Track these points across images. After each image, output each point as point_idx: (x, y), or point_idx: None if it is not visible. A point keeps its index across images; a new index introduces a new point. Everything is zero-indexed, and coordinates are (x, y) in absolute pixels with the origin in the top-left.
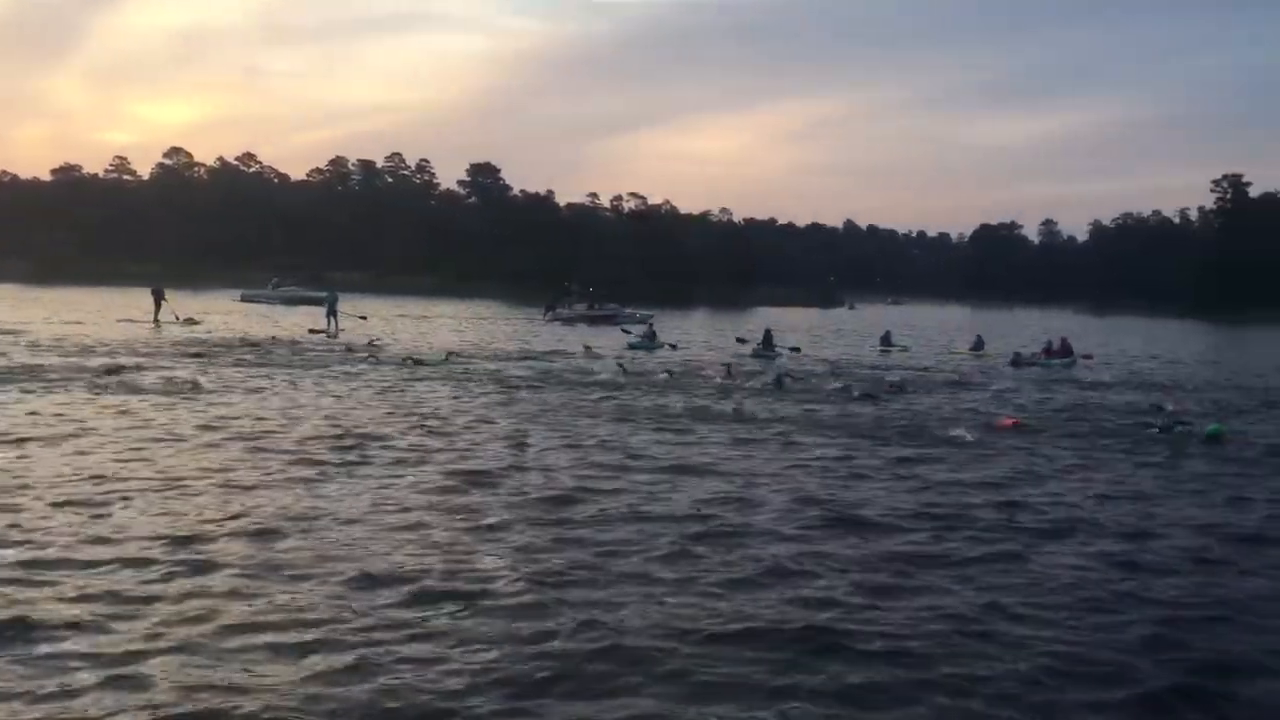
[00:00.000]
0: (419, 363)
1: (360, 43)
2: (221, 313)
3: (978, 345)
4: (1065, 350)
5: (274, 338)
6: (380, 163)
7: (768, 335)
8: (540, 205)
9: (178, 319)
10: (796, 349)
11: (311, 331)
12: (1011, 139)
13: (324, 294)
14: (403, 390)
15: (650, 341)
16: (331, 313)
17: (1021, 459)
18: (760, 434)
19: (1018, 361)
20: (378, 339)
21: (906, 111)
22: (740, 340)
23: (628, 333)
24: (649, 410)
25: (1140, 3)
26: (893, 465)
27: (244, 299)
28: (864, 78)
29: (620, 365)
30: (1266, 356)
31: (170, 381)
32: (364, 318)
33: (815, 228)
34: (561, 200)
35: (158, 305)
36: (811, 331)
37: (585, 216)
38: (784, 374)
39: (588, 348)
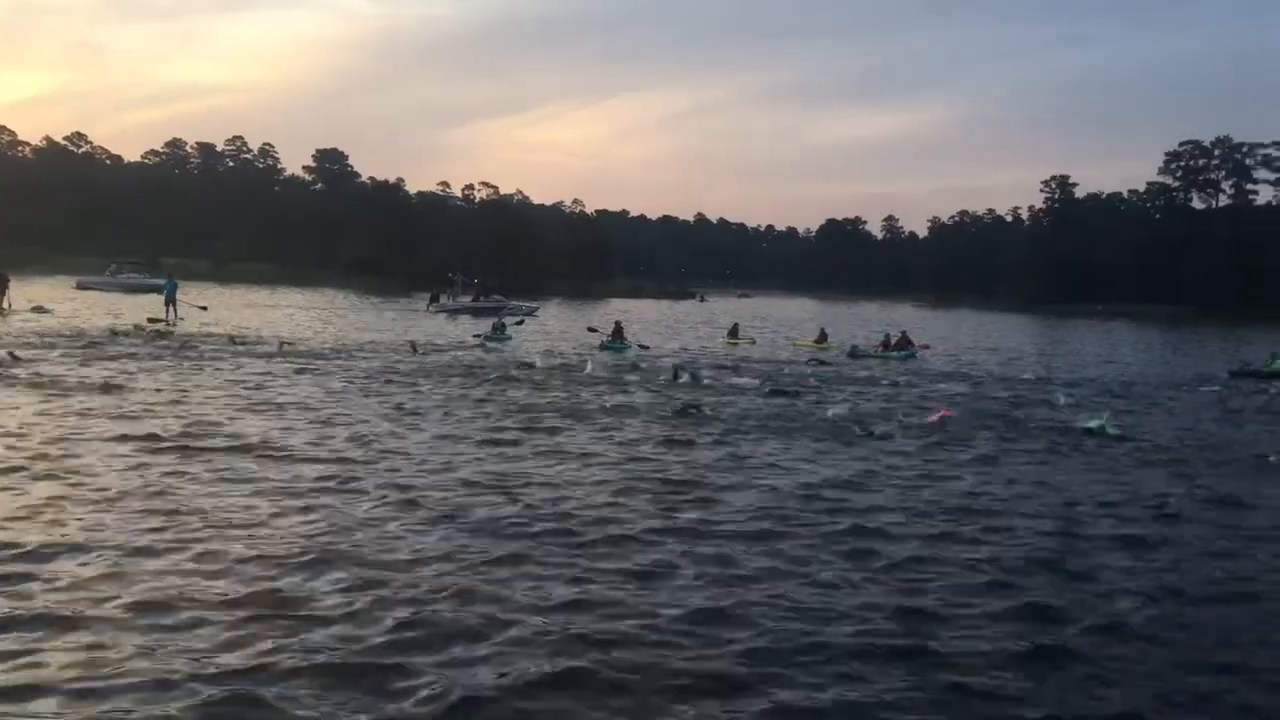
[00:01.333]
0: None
1: (202, 20)
2: (60, 300)
3: (821, 338)
4: (904, 343)
5: (138, 326)
6: (221, 145)
7: (618, 327)
8: (389, 193)
9: (30, 307)
10: (646, 347)
11: (150, 321)
12: (857, 137)
13: (164, 282)
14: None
15: (500, 334)
16: (170, 301)
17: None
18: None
19: (854, 354)
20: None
21: (757, 107)
22: (591, 330)
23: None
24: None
25: (980, 7)
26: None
27: (81, 286)
28: (716, 73)
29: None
30: (1091, 348)
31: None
32: (204, 307)
33: (667, 220)
34: (412, 189)
35: (2, 292)
36: (662, 323)
37: (436, 205)
38: (682, 366)
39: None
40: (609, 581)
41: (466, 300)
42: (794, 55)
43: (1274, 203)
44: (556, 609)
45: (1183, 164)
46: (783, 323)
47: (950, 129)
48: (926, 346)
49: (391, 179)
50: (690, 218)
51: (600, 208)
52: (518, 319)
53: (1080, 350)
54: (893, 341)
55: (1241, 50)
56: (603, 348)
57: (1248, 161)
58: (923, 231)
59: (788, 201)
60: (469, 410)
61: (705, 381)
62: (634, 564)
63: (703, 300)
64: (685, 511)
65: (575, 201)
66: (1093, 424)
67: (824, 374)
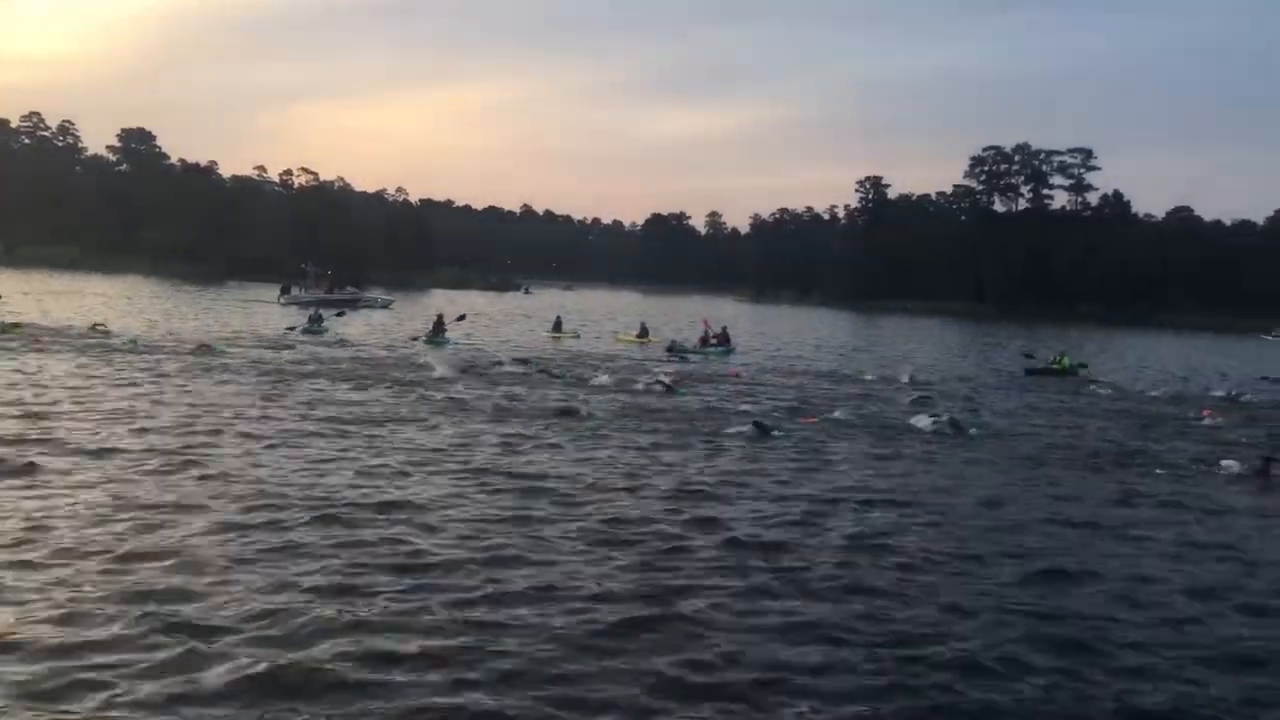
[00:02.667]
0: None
1: None
2: None
3: (643, 333)
4: (723, 339)
5: None
6: (16, 122)
7: (439, 321)
8: (201, 176)
9: None
10: (461, 316)
11: None
12: (683, 133)
13: None
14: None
15: (317, 326)
16: None
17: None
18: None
19: (674, 349)
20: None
21: (586, 100)
22: (460, 318)
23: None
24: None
25: (799, 9)
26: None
27: None
28: (544, 64)
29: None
30: (904, 341)
31: None
32: None
33: (493, 211)
34: (226, 172)
35: None
36: (488, 315)
37: (251, 190)
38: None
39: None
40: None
41: (320, 292)
42: (623, 50)
43: (1067, 207)
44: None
45: (986, 169)
46: (607, 317)
47: (773, 128)
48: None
49: (204, 162)
50: (517, 209)
51: (425, 196)
52: (338, 312)
53: (918, 348)
54: (711, 337)
55: (1044, 62)
56: (426, 341)
57: (1044, 168)
58: (745, 228)
59: (614, 195)
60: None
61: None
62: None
63: (528, 293)
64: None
65: (399, 189)
66: (946, 418)
67: (687, 370)
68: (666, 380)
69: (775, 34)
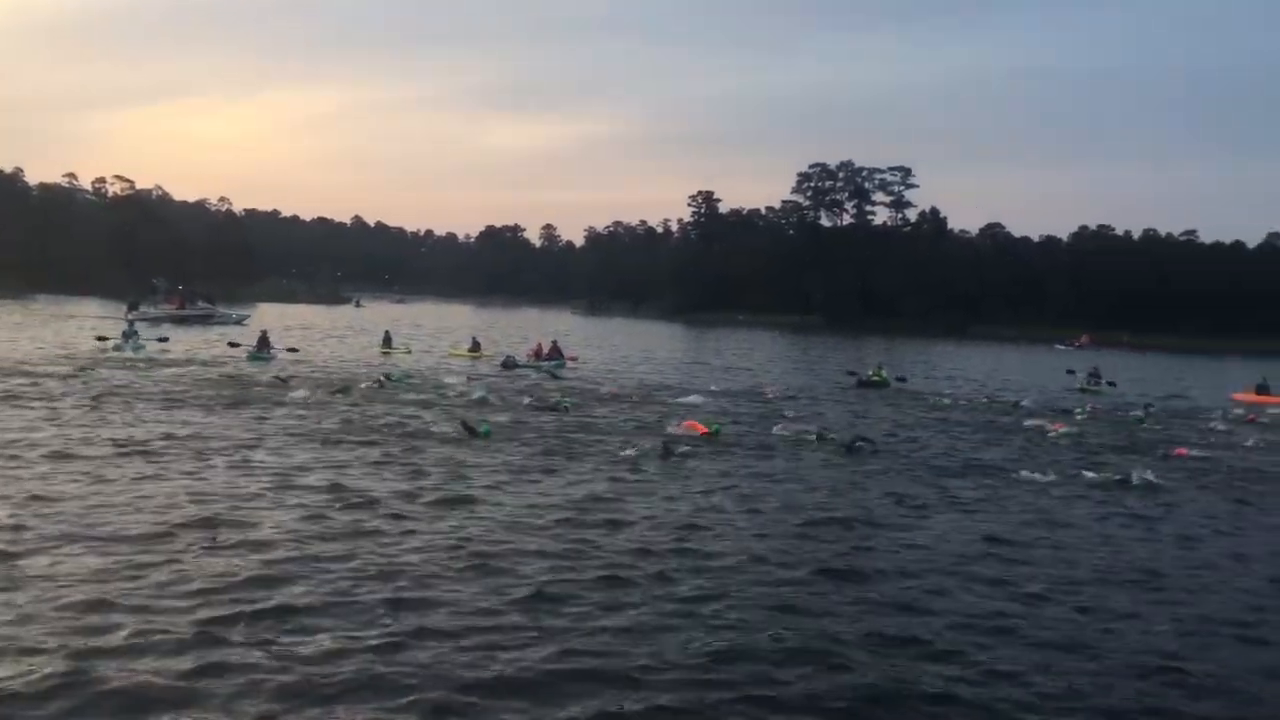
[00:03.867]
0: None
1: None
2: None
3: (474, 347)
4: (555, 352)
5: None
6: None
7: (263, 337)
8: (4, 183)
9: None
10: (294, 349)
11: None
12: (517, 144)
13: None
14: None
15: (131, 340)
16: None
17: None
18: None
19: (508, 364)
20: None
21: (419, 110)
22: (233, 345)
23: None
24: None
25: (633, 25)
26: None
27: None
28: (376, 72)
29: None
30: (745, 354)
31: None
32: None
33: (323, 222)
34: (32, 179)
35: None
36: (318, 329)
37: (61, 198)
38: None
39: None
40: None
41: (171, 308)
42: (457, 61)
43: (889, 223)
44: None
45: (812, 184)
46: (439, 331)
47: (607, 142)
48: (574, 359)
49: (8, 168)
50: (348, 220)
51: (250, 206)
52: (150, 326)
53: (766, 362)
54: (544, 350)
55: (868, 82)
56: (250, 358)
57: (867, 185)
58: (580, 240)
59: (448, 206)
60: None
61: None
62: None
63: (359, 306)
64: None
65: (222, 199)
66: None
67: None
68: (488, 397)
69: (610, 48)
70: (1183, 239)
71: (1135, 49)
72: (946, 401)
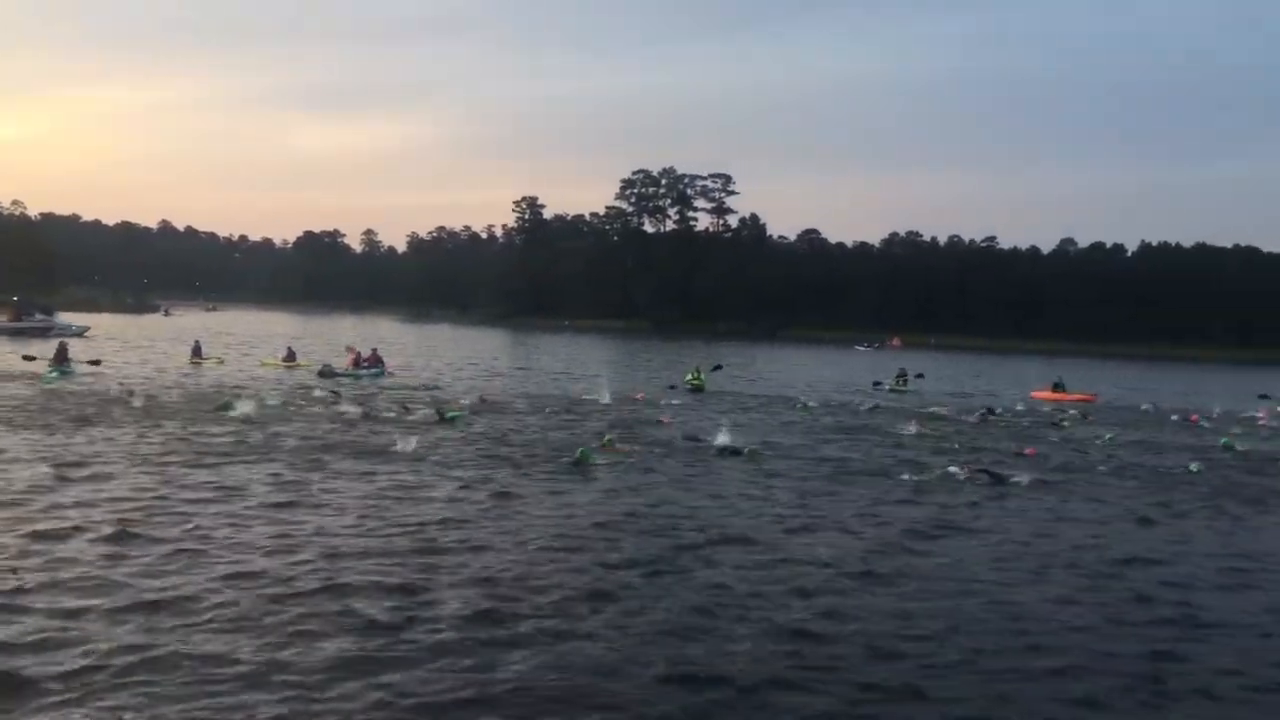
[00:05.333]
0: None
1: None
2: None
3: (289, 356)
4: (375, 360)
5: None
6: None
7: (61, 349)
8: None
9: None
10: (96, 362)
11: None
12: (335, 147)
13: None
14: None
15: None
16: None
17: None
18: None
19: (325, 373)
20: None
21: (230, 110)
22: (27, 359)
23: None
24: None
25: (455, 27)
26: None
27: None
28: (184, 70)
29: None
30: (580, 359)
31: None
32: None
33: (127, 226)
34: None
35: None
36: (122, 339)
37: None
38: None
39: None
40: None
41: (2, 320)
42: (271, 59)
43: (710, 229)
44: None
45: (636, 191)
46: (254, 340)
47: (430, 146)
48: (392, 372)
49: None
50: (154, 224)
51: (46, 210)
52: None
53: (606, 366)
54: (364, 358)
55: (691, 91)
56: (50, 371)
57: (689, 191)
58: (402, 246)
59: (263, 211)
60: None
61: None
62: None
63: (167, 314)
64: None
65: (15, 203)
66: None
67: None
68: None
69: (431, 51)
70: (984, 245)
71: (945, 61)
72: (805, 406)
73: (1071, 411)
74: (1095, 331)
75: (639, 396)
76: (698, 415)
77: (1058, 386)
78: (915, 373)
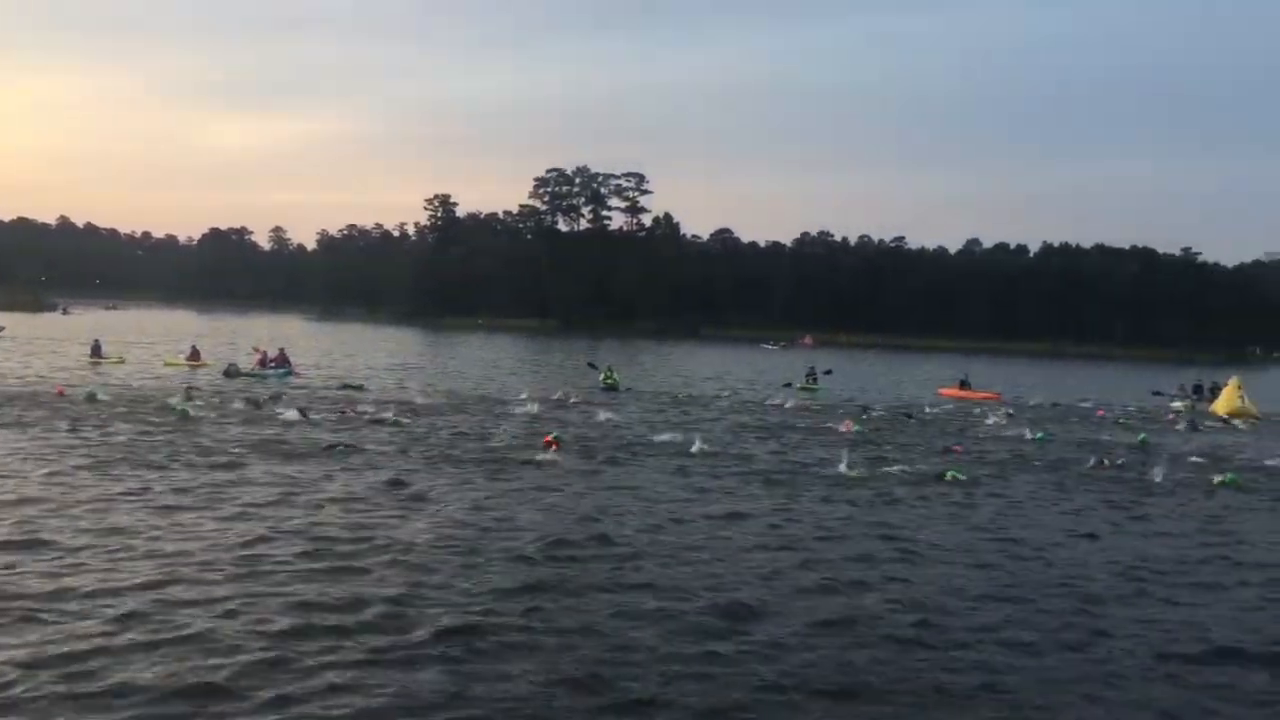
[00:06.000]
0: None
1: None
2: None
3: (193, 355)
4: (282, 360)
5: None
6: None
7: None
8: None
9: None
10: None
11: None
12: (242, 143)
13: None
14: None
15: None
16: None
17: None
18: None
19: (231, 373)
20: None
21: (132, 105)
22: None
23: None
24: None
25: (362, 23)
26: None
27: None
28: (82, 63)
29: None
30: (495, 360)
31: None
32: None
33: (24, 223)
34: None
35: None
36: (19, 339)
37: None
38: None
39: None
40: None
41: None
42: (175, 53)
43: (624, 228)
44: None
45: (549, 189)
46: (157, 338)
47: (340, 143)
48: (297, 373)
49: None
50: (52, 220)
51: None
52: None
53: (518, 368)
54: (270, 358)
55: (603, 87)
56: None
57: (603, 190)
58: (311, 243)
59: (167, 207)
60: None
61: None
62: None
63: (66, 313)
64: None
65: None
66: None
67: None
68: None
69: (339, 47)
70: (893, 244)
71: (854, 64)
72: (723, 403)
73: (1001, 409)
74: (1000, 329)
75: (559, 396)
76: (629, 414)
77: (964, 384)
78: (824, 369)
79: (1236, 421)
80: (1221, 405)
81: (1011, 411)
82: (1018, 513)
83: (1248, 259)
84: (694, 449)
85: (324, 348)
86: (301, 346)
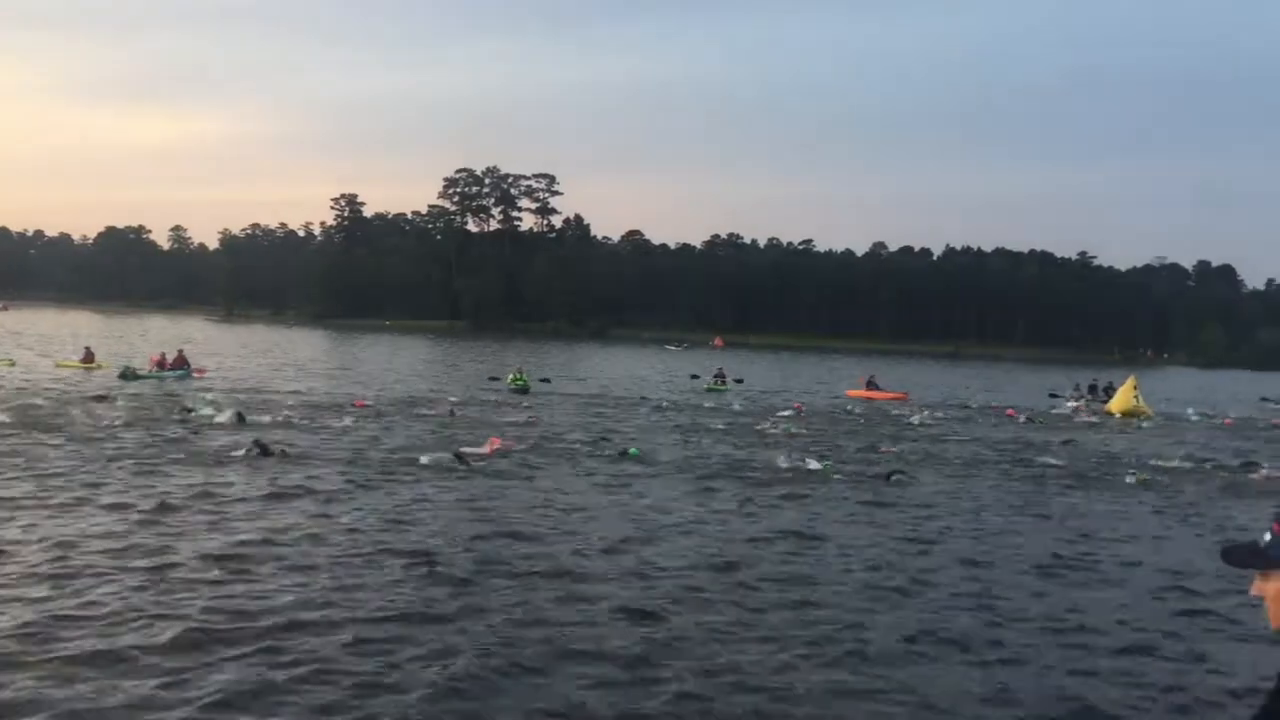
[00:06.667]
0: None
1: None
2: None
3: (88, 357)
4: (180, 362)
5: None
6: None
7: None
8: None
9: None
10: None
11: None
12: (141, 141)
13: None
14: None
15: None
16: None
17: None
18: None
19: (127, 375)
20: None
21: (19, 100)
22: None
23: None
24: None
25: (267, 20)
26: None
27: None
28: None
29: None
30: (416, 363)
31: None
32: None
33: None
34: None
35: None
36: None
37: None
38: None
39: None
40: None
41: None
42: (65, 47)
43: (535, 229)
44: None
45: (459, 190)
46: (50, 339)
47: (242, 141)
48: (202, 371)
49: None
50: None
51: None
52: None
53: (448, 372)
54: (167, 360)
55: (514, 88)
56: None
57: (513, 191)
58: (213, 243)
59: (61, 205)
60: None
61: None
62: None
63: None
64: None
65: None
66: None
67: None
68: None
69: (241, 43)
70: (801, 246)
71: (768, 68)
72: (664, 404)
73: (926, 410)
74: (906, 330)
75: (450, 403)
76: (552, 415)
77: (871, 384)
78: (735, 377)
79: (1134, 420)
80: (1117, 404)
81: (940, 413)
82: (938, 512)
83: (1139, 263)
84: (625, 450)
85: (227, 349)
86: (203, 349)
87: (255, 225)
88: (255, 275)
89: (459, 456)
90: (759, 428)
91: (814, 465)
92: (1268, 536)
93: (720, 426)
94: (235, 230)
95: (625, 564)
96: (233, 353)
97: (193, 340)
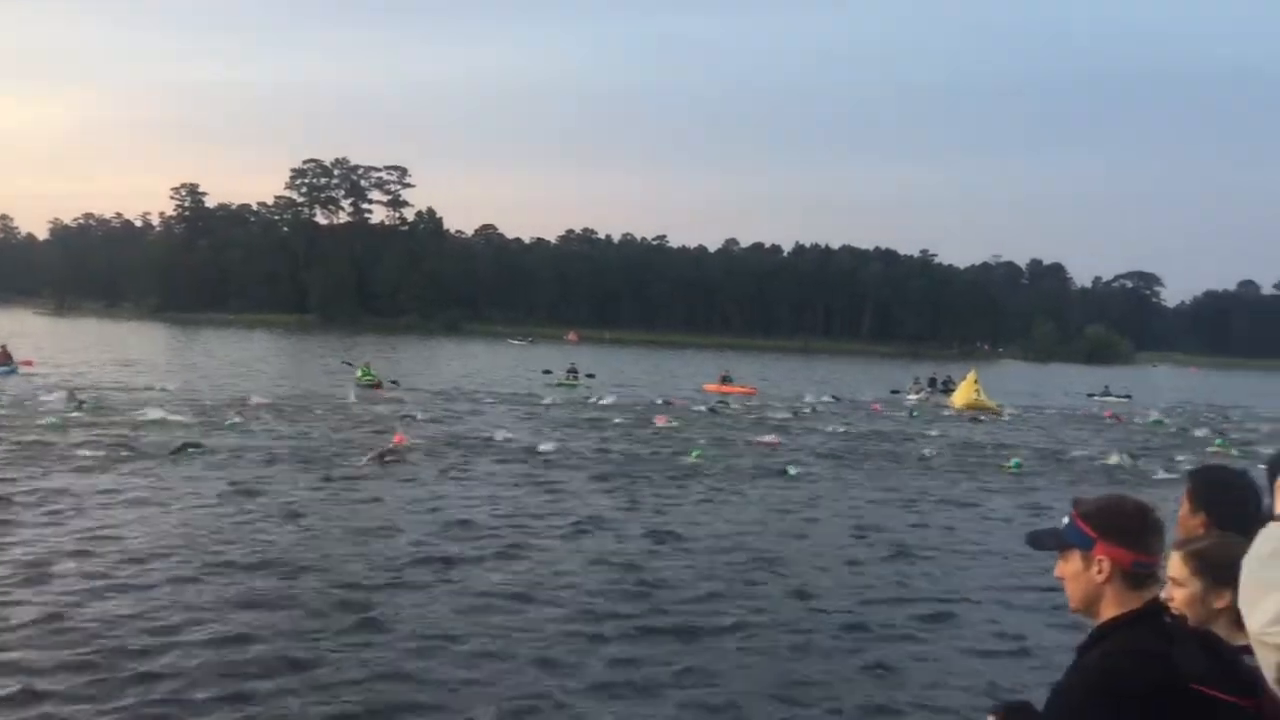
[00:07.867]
0: None
1: None
2: None
3: None
4: (4, 358)
5: None
6: None
7: None
8: None
9: None
10: None
11: None
12: None
13: None
14: None
15: None
16: None
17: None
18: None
19: None
20: None
21: None
22: None
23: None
24: None
25: (103, 8)
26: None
27: None
28: None
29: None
30: (252, 358)
31: None
32: None
33: None
34: None
35: None
36: None
37: None
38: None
39: None
40: None
41: None
42: None
43: (386, 222)
44: None
45: (307, 181)
46: None
47: (72, 128)
48: (29, 362)
49: None
50: None
51: None
52: None
53: (271, 366)
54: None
55: (364, 79)
56: None
57: (363, 183)
58: (43, 233)
59: None
60: None
61: None
62: None
63: None
64: None
65: None
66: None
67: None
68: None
69: (73, 28)
70: (655, 243)
71: (622, 65)
72: (492, 401)
73: (807, 399)
74: (757, 326)
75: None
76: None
77: (725, 379)
78: (587, 372)
79: (977, 414)
80: (959, 398)
81: (811, 408)
82: (823, 500)
83: (978, 261)
84: (499, 437)
85: (57, 344)
86: (30, 343)
87: (89, 215)
88: (88, 266)
89: (380, 456)
90: (618, 421)
91: (690, 459)
92: (1065, 520)
93: (587, 419)
94: (67, 220)
95: (518, 568)
96: (63, 346)
97: (22, 334)
